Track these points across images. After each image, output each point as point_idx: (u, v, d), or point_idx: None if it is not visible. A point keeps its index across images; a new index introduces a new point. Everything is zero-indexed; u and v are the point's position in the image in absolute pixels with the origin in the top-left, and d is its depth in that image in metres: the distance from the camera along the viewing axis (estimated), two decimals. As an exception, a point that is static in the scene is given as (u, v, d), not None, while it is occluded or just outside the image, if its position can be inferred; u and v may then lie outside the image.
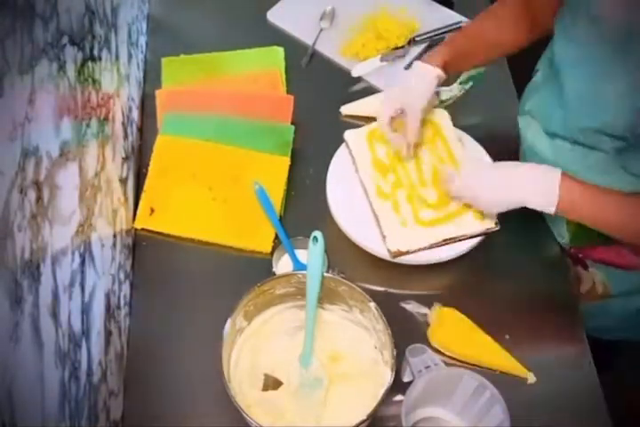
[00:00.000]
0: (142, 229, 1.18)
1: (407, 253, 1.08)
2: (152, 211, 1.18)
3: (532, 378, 1.03)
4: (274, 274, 1.08)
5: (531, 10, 1.09)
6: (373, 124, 1.17)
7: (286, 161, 1.22)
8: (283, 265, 1.12)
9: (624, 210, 0.96)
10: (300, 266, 1.10)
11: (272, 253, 1.13)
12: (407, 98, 1.09)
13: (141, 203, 1.19)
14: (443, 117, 1.18)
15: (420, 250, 1.08)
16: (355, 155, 1.16)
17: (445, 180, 1.07)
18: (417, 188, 1.12)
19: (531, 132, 1.12)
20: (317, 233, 0.91)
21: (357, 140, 1.17)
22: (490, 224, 1.08)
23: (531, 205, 0.97)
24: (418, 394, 0.93)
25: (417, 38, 1.38)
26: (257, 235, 1.17)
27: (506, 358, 1.04)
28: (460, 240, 1.09)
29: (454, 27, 1.40)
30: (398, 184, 1.12)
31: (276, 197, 1.19)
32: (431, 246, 1.08)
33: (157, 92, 1.32)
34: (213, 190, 1.20)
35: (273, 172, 1.21)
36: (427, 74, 1.08)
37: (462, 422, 0.99)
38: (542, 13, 1.06)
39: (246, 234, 1.17)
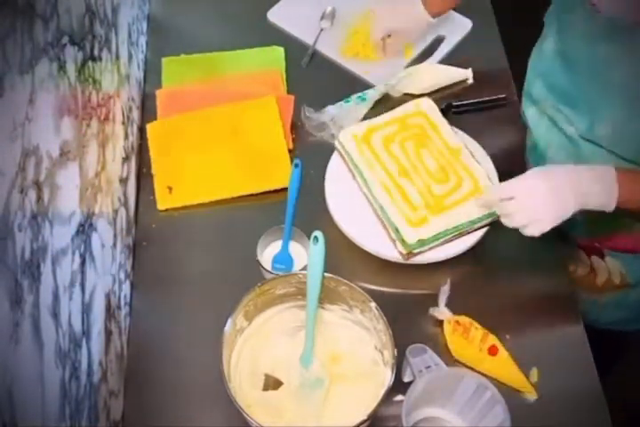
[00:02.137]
0: (166, 210, 1.21)
1: (419, 253, 1.09)
2: (170, 189, 1.21)
3: (534, 395, 1.03)
4: (259, 262, 1.09)
5: None
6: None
7: (272, 100, 1.27)
8: (268, 254, 1.13)
9: None
10: (284, 257, 1.11)
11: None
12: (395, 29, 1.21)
13: (157, 186, 1.22)
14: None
15: (431, 248, 1.09)
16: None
17: (490, 199, 1.00)
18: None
19: (542, 125, 1.12)
20: (318, 233, 0.91)
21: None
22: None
23: (590, 208, 0.93)
24: (418, 394, 0.93)
25: (454, 103, 1.33)
26: (273, 174, 1.22)
27: (515, 374, 1.04)
28: (469, 232, 1.10)
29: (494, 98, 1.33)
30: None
31: (277, 135, 1.25)
32: (444, 242, 1.09)
33: (157, 92, 1.32)
34: (217, 150, 1.25)
35: (265, 113, 1.27)
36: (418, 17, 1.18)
37: (463, 422, 0.99)
38: None
39: (263, 177, 1.22)
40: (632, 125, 0.96)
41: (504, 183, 0.98)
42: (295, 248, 1.13)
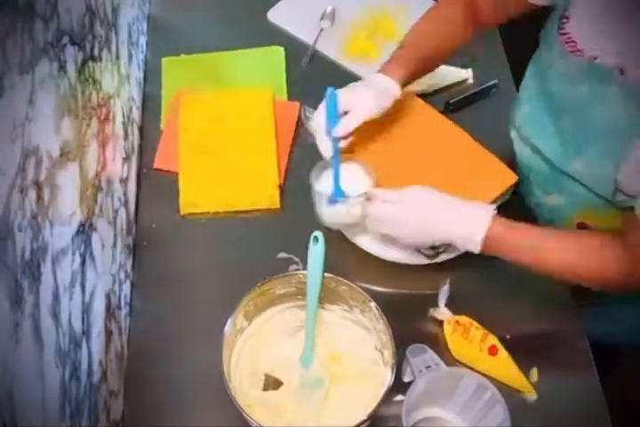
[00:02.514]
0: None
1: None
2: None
3: (533, 395, 1.03)
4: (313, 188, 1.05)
5: (474, 8, 1.11)
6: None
7: (269, 90, 1.30)
8: (322, 182, 1.06)
9: (570, 246, 0.93)
10: (338, 191, 1.04)
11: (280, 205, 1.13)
12: (354, 105, 1.03)
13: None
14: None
15: None
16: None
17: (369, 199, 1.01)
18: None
19: (524, 150, 1.11)
20: (318, 233, 0.91)
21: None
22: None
23: (456, 244, 0.96)
24: (418, 394, 0.93)
25: (451, 101, 1.32)
26: (262, 193, 1.20)
27: (515, 374, 1.04)
28: None
29: (486, 85, 1.34)
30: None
31: (270, 162, 1.23)
32: None
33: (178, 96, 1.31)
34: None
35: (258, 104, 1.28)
36: (388, 91, 1.05)
37: (463, 422, 0.99)
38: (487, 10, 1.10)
39: (252, 195, 1.20)
40: (606, 164, 0.92)
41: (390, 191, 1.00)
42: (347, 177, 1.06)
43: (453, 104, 1.29)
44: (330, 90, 1.03)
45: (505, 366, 1.04)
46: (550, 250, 0.94)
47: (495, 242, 0.93)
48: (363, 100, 1.03)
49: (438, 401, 0.99)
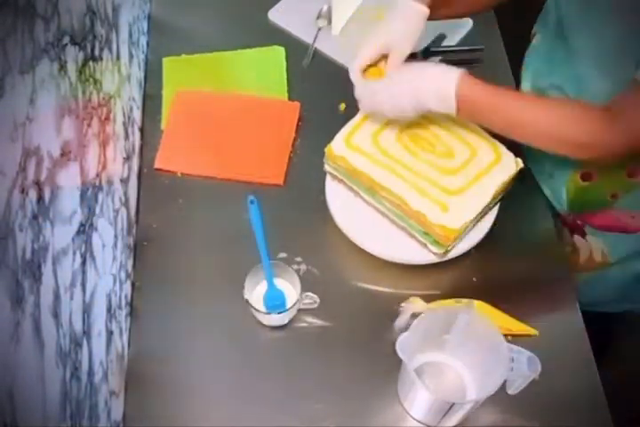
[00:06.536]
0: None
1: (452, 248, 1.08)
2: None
3: (535, 332, 1.06)
4: (246, 300, 1.04)
5: None
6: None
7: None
8: (257, 292, 1.09)
9: (530, 109, 0.91)
10: (274, 292, 1.08)
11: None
12: (391, 41, 0.99)
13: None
14: None
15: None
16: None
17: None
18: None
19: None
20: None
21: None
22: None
23: (433, 107, 0.94)
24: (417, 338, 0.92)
25: (432, 49, 1.35)
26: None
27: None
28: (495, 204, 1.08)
29: (472, 48, 1.36)
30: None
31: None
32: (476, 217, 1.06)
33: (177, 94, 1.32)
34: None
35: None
36: (414, 14, 0.99)
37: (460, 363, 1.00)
38: None
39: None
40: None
41: None
42: (282, 284, 1.10)
43: (434, 53, 1.31)
44: (250, 199, 1.10)
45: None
46: (530, 110, 0.91)
47: (469, 99, 0.91)
48: (395, 39, 0.99)
49: (436, 343, 0.99)
